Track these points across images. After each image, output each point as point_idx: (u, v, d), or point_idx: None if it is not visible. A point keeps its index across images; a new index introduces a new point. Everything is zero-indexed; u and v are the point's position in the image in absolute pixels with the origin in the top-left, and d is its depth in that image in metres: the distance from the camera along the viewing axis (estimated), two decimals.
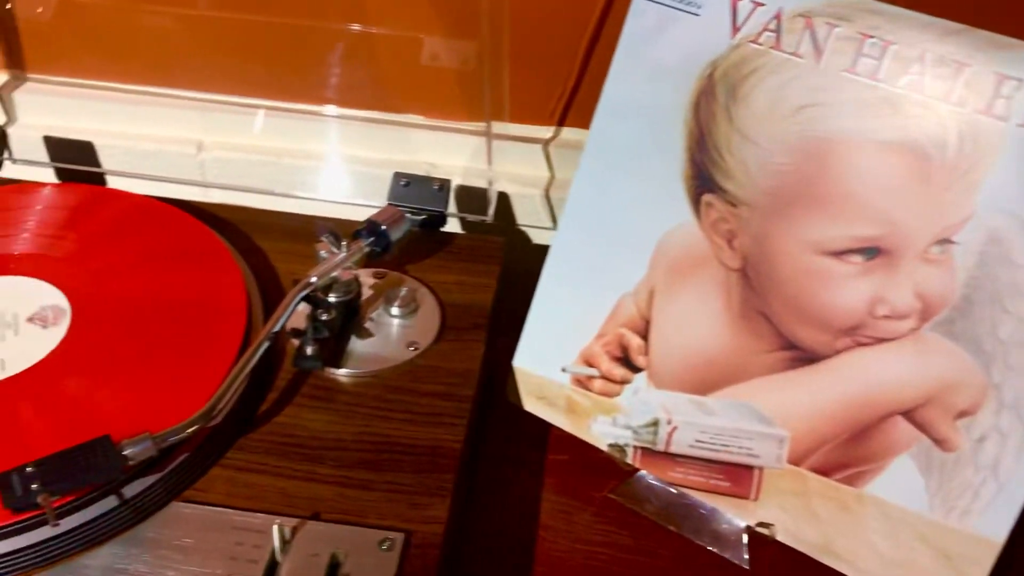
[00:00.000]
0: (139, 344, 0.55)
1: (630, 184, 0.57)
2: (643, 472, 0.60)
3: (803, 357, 0.54)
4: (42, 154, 0.80)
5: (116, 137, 0.80)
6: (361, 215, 0.62)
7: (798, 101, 0.52)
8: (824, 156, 0.52)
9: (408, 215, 0.62)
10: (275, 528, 0.47)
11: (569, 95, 0.75)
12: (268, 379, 0.56)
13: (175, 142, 0.79)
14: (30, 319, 0.56)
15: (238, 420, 0.53)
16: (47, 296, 0.58)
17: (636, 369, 0.58)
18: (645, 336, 0.58)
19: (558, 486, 0.62)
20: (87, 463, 0.47)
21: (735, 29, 0.53)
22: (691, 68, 0.55)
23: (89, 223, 0.63)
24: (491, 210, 0.70)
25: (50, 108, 0.80)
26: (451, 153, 0.77)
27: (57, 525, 0.45)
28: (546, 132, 0.77)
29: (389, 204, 0.63)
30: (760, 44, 0.53)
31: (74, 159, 0.79)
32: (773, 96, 0.53)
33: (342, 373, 0.57)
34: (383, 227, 0.60)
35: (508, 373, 0.62)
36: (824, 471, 0.54)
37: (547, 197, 0.77)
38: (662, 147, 0.56)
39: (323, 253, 0.59)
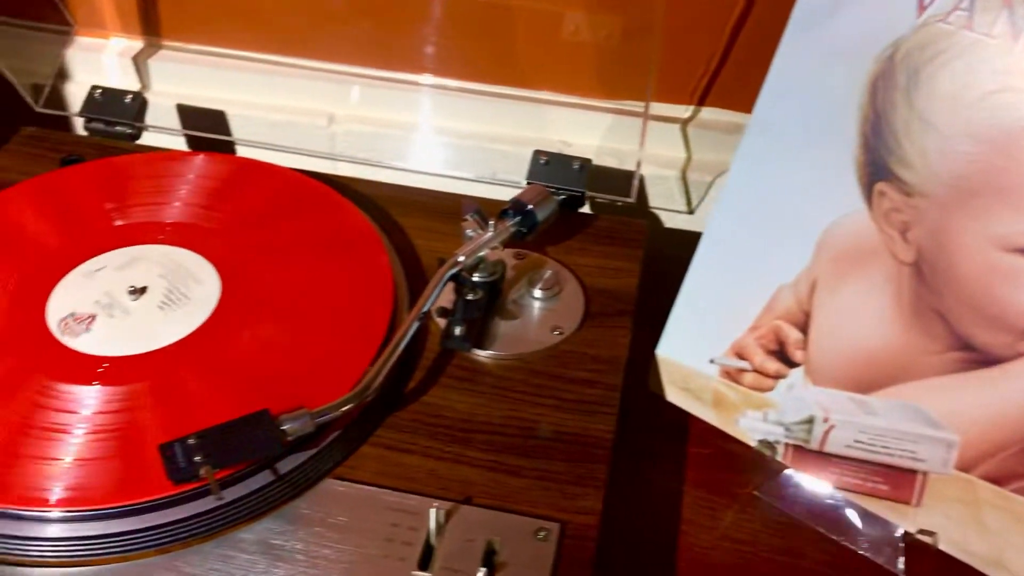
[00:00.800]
0: (287, 319, 0.55)
1: (795, 169, 0.54)
2: (790, 471, 0.57)
3: (979, 359, 0.51)
4: (174, 121, 0.80)
5: (247, 107, 0.80)
6: (488, 193, 0.61)
7: (988, 86, 0.49)
8: (1014, 146, 0.48)
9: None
10: (432, 512, 0.46)
11: (712, 74, 0.73)
12: (413, 358, 0.55)
13: (306, 113, 0.79)
14: (178, 290, 0.56)
15: (386, 398, 0.53)
16: (196, 267, 0.57)
17: (792, 364, 0.56)
18: (804, 330, 0.55)
19: (699, 480, 0.60)
20: (247, 437, 0.46)
21: (921, 8, 0.50)
22: (869, 49, 0.52)
23: (238, 195, 0.63)
24: (634, 192, 0.67)
25: (183, 76, 0.80)
26: (584, 131, 0.75)
27: (221, 498, 0.45)
28: (684, 111, 0.75)
29: (531, 183, 0.61)
30: (949, 23, 0.49)
31: (206, 128, 0.79)
32: (960, 80, 0.49)
33: (486, 355, 0.56)
34: (529, 206, 0.58)
35: (650, 362, 0.61)
36: (997, 480, 0.51)
37: (684, 179, 0.75)
38: (832, 131, 0.53)
39: (469, 232, 0.57)
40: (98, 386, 0.51)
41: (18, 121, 0.73)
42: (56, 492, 0.46)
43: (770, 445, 0.57)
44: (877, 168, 0.52)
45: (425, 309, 0.53)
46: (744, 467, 0.59)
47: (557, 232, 0.64)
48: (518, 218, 0.58)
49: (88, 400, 0.50)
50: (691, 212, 0.77)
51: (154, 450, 0.47)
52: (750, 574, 0.54)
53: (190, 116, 0.80)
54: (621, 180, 0.71)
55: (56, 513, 0.45)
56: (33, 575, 0.45)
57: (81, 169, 0.65)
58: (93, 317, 0.54)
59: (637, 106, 0.72)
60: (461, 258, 0.55)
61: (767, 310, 0.56)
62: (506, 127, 0.77)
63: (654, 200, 0.77)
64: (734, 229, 0.57)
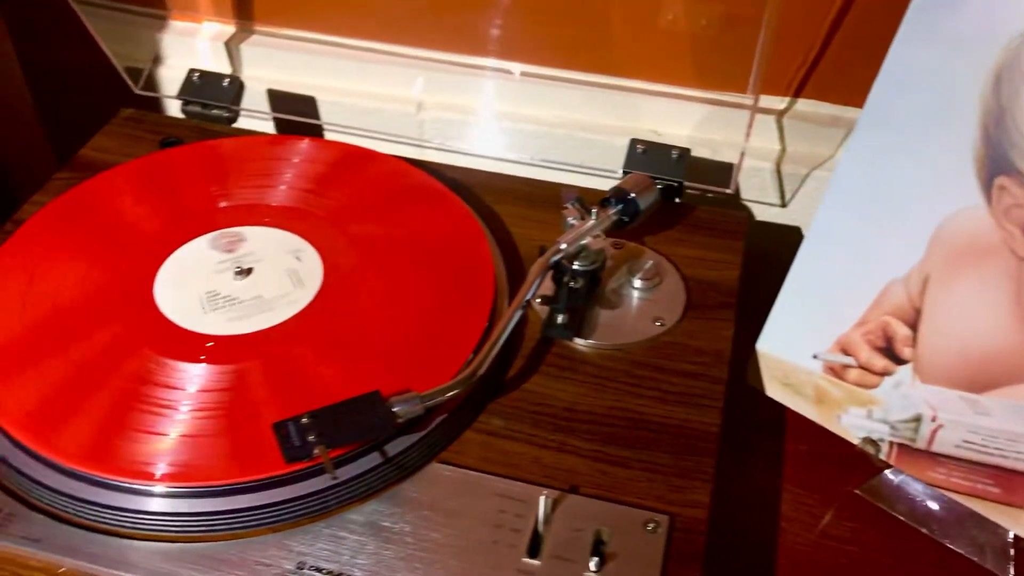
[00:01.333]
0: (388, 304, 0.55)
1: (910, 162, 0.53)
2: (889, 471, 0.56)
3: None
4: (264, 106, 0.80)
5: (336, 93, 0.80)
6: (576, 182, 0.61)
7: None
8: None
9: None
10: (542, 499, 0.45)
11: (811, 65, 0.71)
12: (513, 346, 0.55)
13: (395, 100, 0.79)
14: (282, 273, 0.56)
15: (488, 385, 0.52)
16: (300, 251, 0.58)
17: (899, 361, 0.54)
18: (913, 326, 0.54)
19: (797, 478, 0.59)
20: (359, 418, 0.46)
21: None
22: (995, 38, 0.50)
23: (341, 181, 0.63)
24: (734, 183, 0.66)
25: (273, 61, 0.81)
26: (674, 121, 0.74)
27: (336, 477, 0.45)
28: (779, 102, 0.73)
29: (634, 172, 0.61)
30: None
31: (296, 113, 0.80)
32: None
33: (586, 344, 0.55)
34: (631, 195, 0.58)
35: (744, 355, 0.60)
36: None
37: (778, 172, 0.74)
38: (950, 123, 0.52)
39: (571, 220, 0.57)
40: (205, 364, 0.51)
41: (110, 103, 0.74)
42: (162, 467, 0.46)
43: (873, 443, 0.56)
44: (998, 162, 0.51)
45: (529, 296, 0.53)
46: (843, 465, 0.58)
47: (655, 222, 0.63)
48: (620, 206, 0.58)
49: (195, 377, 0.50)
50: (784, 205, 0.75)
51: (261, 429, 0.47)
52: (854, 575, 0.53)
53: (281, 101, 0.80)
54: (716, 171, 0.70)
55: (162, 488, 0.46)
56: (141, 548, 0.45)
57: (185, 151, 0.66)
58: (199, 293, 0.55)
59: (738, 97, 0.70)
60: (563, 245, 0.55)
61: (875, 305, 0.55)
62: (595, 115, 0.76)
63: (746, 192, 0.75)
64: (843, 222, 0.55)
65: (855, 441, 0.57)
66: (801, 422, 0.59)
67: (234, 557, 0.44)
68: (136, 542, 0.45)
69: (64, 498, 0.46)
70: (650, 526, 0.46)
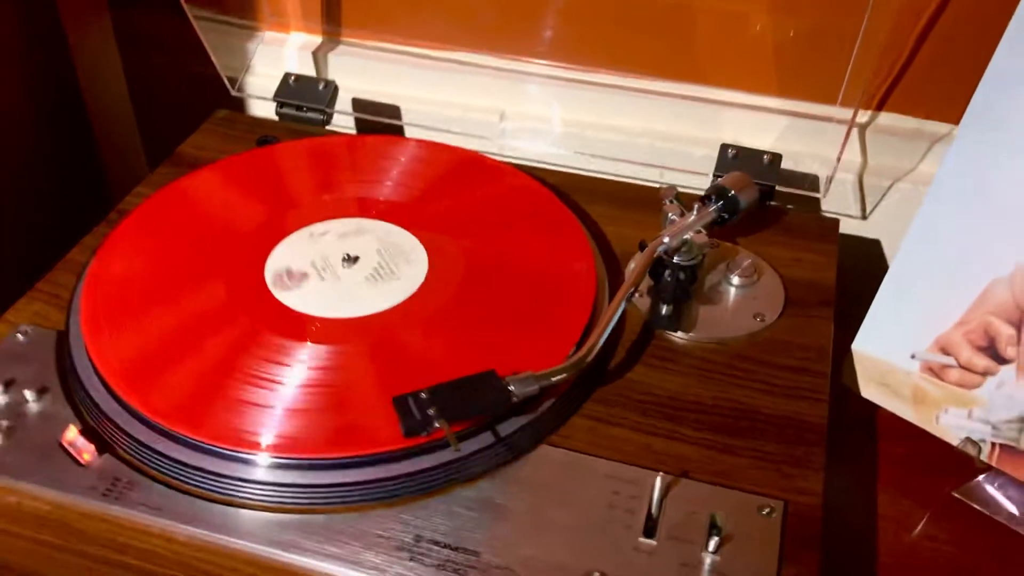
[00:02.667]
0: (493, 297, 0.55)
1: (1014, 161, 0.53)
2: (987, 474, 0.56)
3: None
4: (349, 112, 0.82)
5: (420, 102, 0.81)
6: None
7: None
8: None
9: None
10: (658, 480, 0.45)
11: (895, 78, 0.72)
12: (614, 336, 0.55)
13: (478, 109, 0.80)
14: (388, 264, 0.57)
15: (593, 373, 0.53)
16: (407, 244, 0.59)
17: (1002, 360, 0.54)
18: (1017, 325, 0.54)
19: (892, 479, 0.58)
20: (476, 395, 0.47)
21: None
22: None
23: (444, 179, 0.65)
24: (825, 189, 0.67)
25: (357, 70, 0.82)
26: (756, 133, 0.75)
27: (459, 450, 0.45)
28: (862, 115, 0.74)
29: (733, 171, 0.61)
30: None
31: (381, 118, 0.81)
32: None
33: (687, 337, 0.56)
34: (732, 192, 0.58)
35: (844, 356, 0.60)
36: None
37: (860, 184, 0.74)
38: None
39: (671, 215, 0.58)
40: (309, 344, 0.52)
41: (199, 109, 0.76)
42: (278, 440, 0.47)
43: (974, 444, 0.56)
44: None
45: (635, 287, 0.53)
46: (940, 467, 0.57)
47: (747, 224, 0.63)
48: (720, 203, 0.58)
49: (301, 355, 0.51)
50: (864, 218, 0.76)
51: (374, 406, 0.48)
52: None
53: (365, 109, 0.82)
54: (799, 183, 0.71)
55: (280, 460, 0.46)
56: (260, 518, 0.45)
57: (287, 147, 0.67)
58: (305, 275, 0.56)
59: (829, 110, 0.71)
60: (667, 239, 0.55)
61: (977, 304, 0.55)
62: (675, 126, 0.77)
63: (826, 204, 0.76)
64: (945, 220, 0.56)
65: (954, 442, 0.56)
66: (893, 424, 0.59)
67: (353, 529, 0.45)
68: (255, 512, 0.46)
69: (183, 467, 0.47)
70: (765, 511, 0.46)
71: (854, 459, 0.59)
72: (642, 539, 0.44)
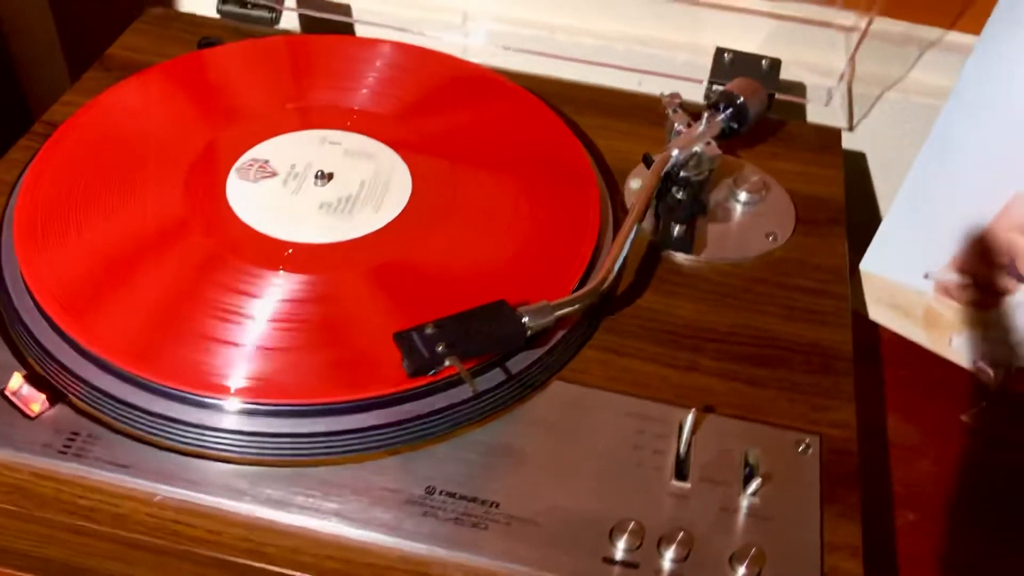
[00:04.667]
0: (485, 217, 0.50)
1: None
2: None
3: None
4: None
5: (378, 1, 0.74)
6: None
7: None
8: None
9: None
10: (689, 418, 0.41)
11: None
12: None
13: (438, 10, 0.73)
14: (367, 182, 0.51)
15: (602, 302, 0.48)
16: (385, 160, 0.52)
17: (1023, 279, 0.52)
18: None
19: (899, 404, 0.56)
20: (486, 328, 0.42)
21: None
22: None
23: (425, 87, 0.58)
24: (829, 100, 0.63)
25: None
26: (740, 38, 0.70)
27: (476, 389, 0.40)
28: (844, 17, 0.70)
29: (740, 77, 0.56)
30: None
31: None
32: None
33: (699, 259, 0.51)
34: (741, 99, 0.54)
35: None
36: None
37: (849, 93, 0.70)
38: None
39: (678, 125, 0.53)
40: (289, 272, 0.46)
41: (122, 6, 0.67)
42: (257, 383, 0.41)
43: (989, 367, 0.53)
44: None
45: (647, 206, 0.48)
46: (948, 391, 0.55)
47: (746, 136, 0.59)
48: (729, 111, 0.53)
49: (275, 286, 0.45)
50: (851, 129, 0.72)
51: (368, 344, 0.42)
52: (974, 506, 0.51)
53: (312, 5, 0.73)
54: (787, 90, 0.66)
55: (262, 405, 0.41)
56: (248, 473, 0.40)
57: (238, 48, 0.60)
58: (273, 174, 0.49)
59: (828, 13, 0.66)
60: (675, 152, 0.50)
61: (1000, 219, 0.52)
62: (655, 29, 0.71)
63: (812, 114, 0.72)
64: (965, 131, 0.52)
65: (967, 365, 0.54)
66: (899, 347, 0.56)
67: (353, 481, 0.40)
68: (242, 467, 0.40)
69: (154, 418, 0.41)
70: (801, 447, 0.43)
71: (859, 384, 0.57)
72: (674, 482, 0.41)
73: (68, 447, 0.40)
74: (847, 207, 0.57)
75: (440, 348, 0.40)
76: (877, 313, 0.56)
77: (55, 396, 0.41)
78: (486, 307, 0.42)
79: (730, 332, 0.48)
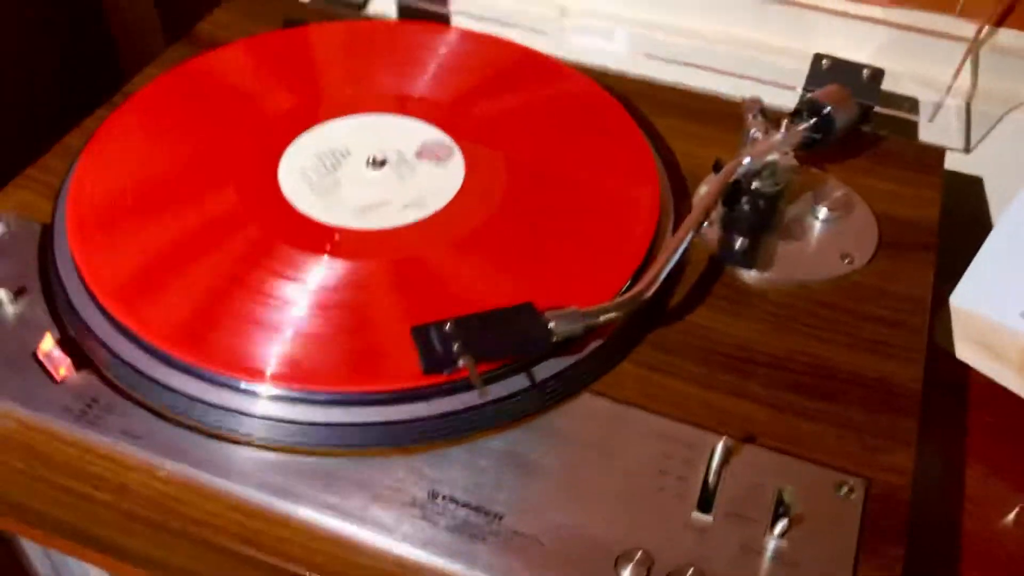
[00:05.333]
0: (538, 212, 0.48)
1: None
2: None
3: None
4: None
5: None
6: None
7: None
8: None
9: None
10: (720, 445, 0.38)
11: None
12: (678, 270, 0.48)
13: (535, 3, 0.71)
14: (418, 168, 0.50)
15: (649, 312, 0.45)
16: (440, 146, 0.51)
17: None
18: None
19: (983, 452, 0.51)
20: (509, 330, 0.40)
21: None
22: None
23: (490, 76, 0.56)
24: (932, 116, 0.58)
25: None
26: (852, 45, 0.66)
27: (486, 394, 0.38)
28: (970, 30, 0.64)
29: (830, 85, 0.52)
30: None
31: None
32: None
33: (762, 277, 0.48)
34: (827, 108, 0.50)
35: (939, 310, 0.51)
36: None
37: (967, 111, 0.64)
38: None
39: (754, 132, 0.49)
40: (330, 257, 0.45)
41: None
42: (275, 366, 0.40)
43: None
44: None
45: (706, 215, 0.45)
46: None
47: (837, 148, 0.55)
48: (813, 120, 0.49)
49: (318, 271, 0.44)
50: (967, 151, 0.66)
51: (391, 336, 0.41)
52: None
53: None
54: (897, 105, 0.61)
55: (274, 390, 0.40)
56: (251, 457, 0.39)
57: (315, 31, 0.59)
58: (328, 158, 0.49)
59: (943, 22, 0.61)
60: (747, 159, 0.47)
61: None
62: (762, 32, 0.67)
63: (925, 133, 0.66)
64: None
65: None
66: (986, 390, 0.51)
67: (357, 476, 0.38)
68: (247, 450, 0.39)
69: (169, 392, 0.40)
70: (843, 489, 0.39)
71: (938, 427, 0.52)
72: (696, 514, 0.38)
73: (85, 412, 0.40)
74: (953, 236, 0.52)
75: (456, 347, 0.38)
76: (965, 352, 0.51)
77: (82, 361, 0.42)
78: (511, 309, 0.40)
79: (786, 358, 0.44)
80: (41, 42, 0.72)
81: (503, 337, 0.39)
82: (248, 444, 0.39)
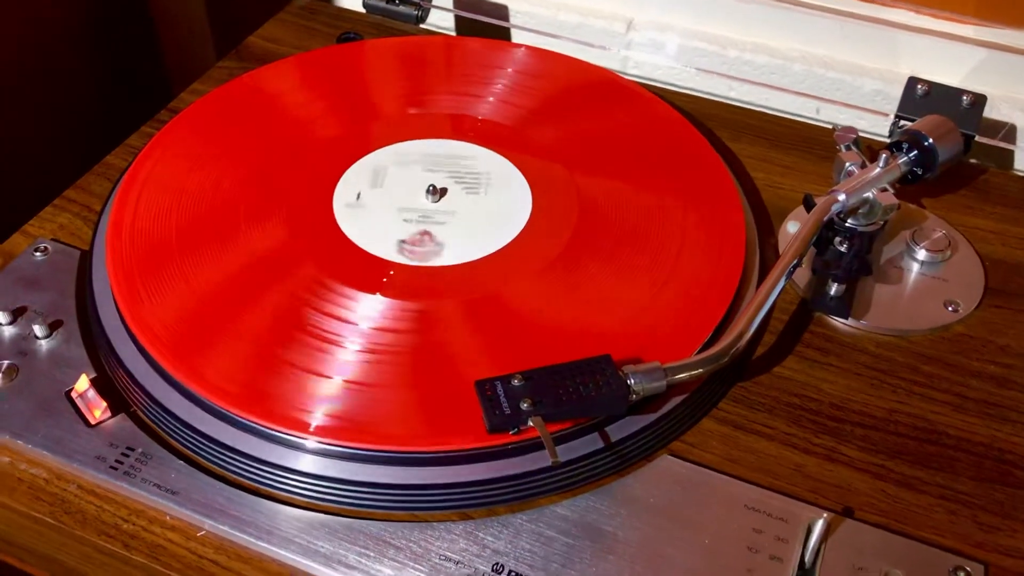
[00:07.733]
0: (613, 252, 0.44)
1: None
2: None
3: None
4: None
5: (533, 2, 0.69)
6: None
7: None
8: None
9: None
10: (820, 523, 0.34)
11: None
12: (765, 317, 0.43)
13: (602, 16, 0.68)
14: (483, 199, 0.46)
15: (733, 363, 0.41)
16: (505, 175, 0.48)
17: None
18: None
19: None
20: (584, 386, 0.36)
21: None
22: None
23: (563, 101, 0.53)
24: None
25: None
26: (941, 65, 0.61)
27: (557, 461, 0.34)
28: None
29: (932, 114, 0.48)
30: None
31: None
32: None
33: (859, 326, 0.43)
34: (929, 140, 0.45)
35: None
36: None
37: None
38: None
39: (849, 165, 0.45)
40: (380, 296, 0.41)
41: None
42: (323, 419, 0.37)
43: None
44: None
45: (797, 260, 0.41)
46: None
47: (934, 183, 0.50)
48: (914, 154, 0.45)
49: (371, 311, 0.41)
50: None
51: (453, 388, 0.37)
52: None
53: (468, 6, 0.70)
54: (993, 132, 0.56)
55: (322, 445, 0.36)
56: (296, 517, 0.36)
57: (372, 46, 0.56)
58: (382, 185, 0.45)
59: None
60: (843, 195, 0.43)
61: None
62: (841, 50, 0.63)
63: (1020, 161, 0.61)
64: None
65: None
66: None
67: (413, 545, 0.35)
68: (293, 510, 0.36)
69: (212, 444, 0.37)
70: (959, 575, 0.34)
71: None
72: None
73: (121, 463, 0.37)
74: None
75: (525, 405, 0.34)
76: None
77: (118, 405, 0.39)
78: (586, 361, 0.36)
79: (885, 418, 0.40)
80: (86, 50, 0.69)
81: (576, 394, 0.35)
82: (296, 504, 0.36)
